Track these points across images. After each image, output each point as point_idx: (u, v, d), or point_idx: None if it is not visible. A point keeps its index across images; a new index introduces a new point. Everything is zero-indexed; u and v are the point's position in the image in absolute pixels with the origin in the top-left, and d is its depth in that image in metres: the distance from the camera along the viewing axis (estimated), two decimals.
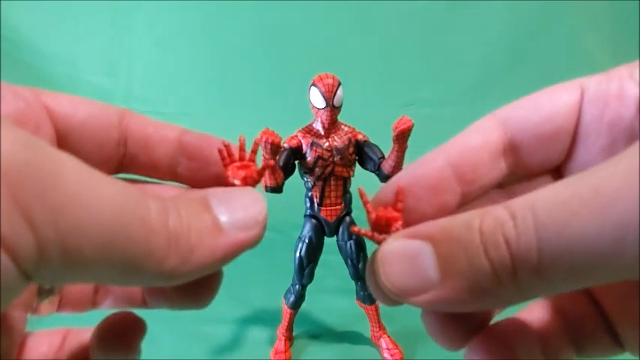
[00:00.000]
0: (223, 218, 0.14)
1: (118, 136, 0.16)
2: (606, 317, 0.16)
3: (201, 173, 0.17)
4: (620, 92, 0.15)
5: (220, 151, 0.17)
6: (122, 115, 0.17)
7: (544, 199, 0.12)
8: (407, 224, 0.15)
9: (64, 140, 0.16)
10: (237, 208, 0.14)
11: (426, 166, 0.16)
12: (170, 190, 0.17)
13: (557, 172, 0.17)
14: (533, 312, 0.17)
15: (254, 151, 0.17)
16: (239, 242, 0.14)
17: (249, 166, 0.17)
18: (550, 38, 1.22)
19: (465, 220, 0.13)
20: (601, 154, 0.15)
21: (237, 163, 0.17)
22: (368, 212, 0.16)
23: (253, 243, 0.14)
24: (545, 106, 0.16)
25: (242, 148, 0.17)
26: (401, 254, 0.14)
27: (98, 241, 0.11)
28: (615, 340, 0.16)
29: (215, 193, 0.14)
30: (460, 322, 0.16)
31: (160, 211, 0.12)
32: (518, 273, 0.12)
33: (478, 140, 0.16)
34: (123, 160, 0.17)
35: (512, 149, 0.16)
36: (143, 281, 0.12)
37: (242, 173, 0.16)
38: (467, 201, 0.16)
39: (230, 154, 0.17)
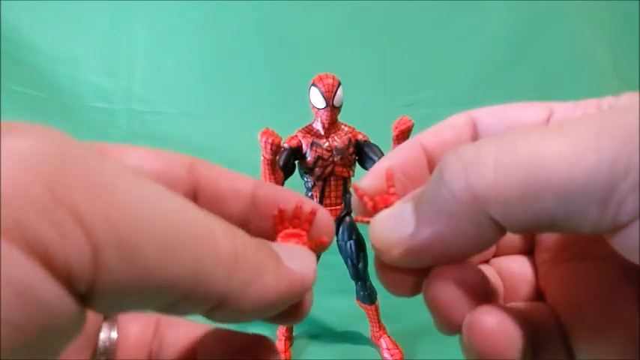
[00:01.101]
0: (284, 257, 0.14)
1: (187, 189, 0.15)
2: (563, 330, 0.16)
3: (272, 231, 0.16)
4: None
5: (274, 217, 0.16)
6: (191, 167, 0.16)
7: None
8: None
9: None
10: (295, 254, 0.14)
11: (405, 154, 0.17)
12: None
13: None
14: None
15: (309, 221, 0.16)
16: (301, 279, 0.13)
17: (302, 236, 0.16)
18: (550, 38, 1.22)
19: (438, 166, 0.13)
20: None
21: (290, 230, 0.16)
22: (365, 203, 0.16)
23: (309, 286, 0.14)
24: (512, 117, 0.17)
25: (297, 216, 0.16)
26: (388, 215, 0.15)
27: (161, 240, 0.09)
28: (570, 355, 0.16)
29: (273, 243, 0.15)
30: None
31: (226, 229, 0.12)
32: (471, 178, 0.12)
33: (451, 134, 0.17)
34: None
35: None
36: (206, 303, 0.11)
37: (293, 241, 0.16)
38: None
39: (284, 220, 0.16)
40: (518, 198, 0.11)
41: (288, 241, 0.16)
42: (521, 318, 0.14)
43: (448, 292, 0.14)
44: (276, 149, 0.47)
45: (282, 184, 0.51)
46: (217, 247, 0.11)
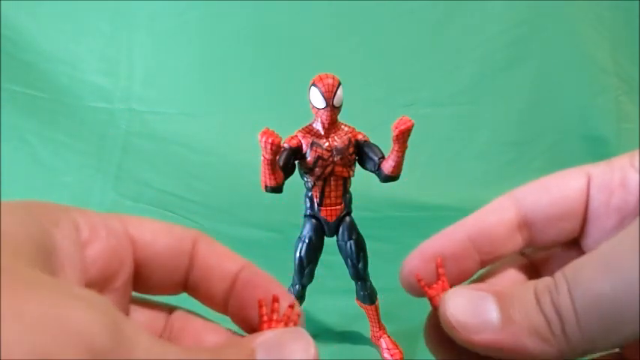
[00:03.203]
0: None
1: (189, 263, 0.17)
2: None
3: (247, 315, 0.17)
4: (623, 181, 0.17)
5: (260, 307, 0.16)
6: (195, 242, 0.17)
7: (572, 267, 0.15)
8: None
9: (140, 268, 0.16)
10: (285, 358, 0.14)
11: (449, 238, 0.18)
12: (221, 333, 0.17)
13: (575, 244, 0.19)
14: None
15: (293, 322, 0.16)
16: None
17: (287, 323, 0.16)
18: (550, 38, 1.22)
19: (521, 286, 0.16)
20: (612, 231, 0.17)
21: (276, 317, 0.16)
22: (426, 292, 0.17)
23: None
24: (554, 191, 0.18)
25: (275, 309, 0.16)
26: (467, 297, 0.16)
27: None
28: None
29: (263, 343, 0.15)
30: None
31: None
32: (566, 327, 0.14)
33: (494, 218, 0.18)
34: (186, 285, 0.17)
35: (526, 226, 0.18)
36: None
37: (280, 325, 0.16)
38: (486, 265, 0.18)
39: (272, 312, 0.16)
40: (600, 335, 0.14)
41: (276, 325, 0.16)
42: None
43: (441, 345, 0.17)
44: (276, 149, 0.47)
45: (283, 184, 0.51)
46: None
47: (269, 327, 0.16)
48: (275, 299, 0.16)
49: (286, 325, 0.16)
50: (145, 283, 0.17)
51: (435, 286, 0.17)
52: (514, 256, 0.19)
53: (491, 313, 0.15)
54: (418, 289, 0.18)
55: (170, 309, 0.18)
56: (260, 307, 0.16)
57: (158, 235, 0.17)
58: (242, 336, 0.16)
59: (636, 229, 0.14)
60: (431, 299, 0.17)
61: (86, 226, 0.15)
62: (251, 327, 0.17)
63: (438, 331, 0.17)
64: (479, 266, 0.18)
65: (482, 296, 0.16)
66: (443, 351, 0.17)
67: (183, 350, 0.13)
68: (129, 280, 0.16)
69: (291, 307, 0.16)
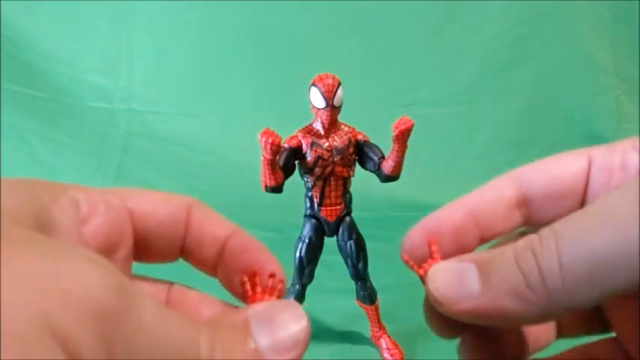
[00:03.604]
0: (263, 342, 0.14)
1: (185, 231, 0.17)
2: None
3: (234, 280, 0.17)
4: (623, 162, 0.17)
5: (243, 284, 0.17)
6: (189, 209, 0.17)
7: (563, 222, 0.14)
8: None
9: (140, 240, 0.17)
10: (277, 329, 0.15)
11: (449, 213, 0.18)
12: (216, 305, 0.18)
13: None
14: None
15: (282, 281, 0.17)
16: None
17: (272, 293, 0.17)
18: (550, 38, 1.22)
19: (503, 248, 0.15)
20: None
21: (259, 290, 0.17)
22: (416, 270, 0.18)
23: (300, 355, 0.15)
24: (554, 170, 0.18)
25: (260, 282, 0.17)
26: (450, 270, 0.16)
27: None
28: (601, 320, 0.18)
29: (256, 314, 0.15)
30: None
31: (208, 347, 0.13)
32: (547, 281, 0.14)
33: (493, 194, 0.18)
34: (182, 251, 0.18)
35: (525, 204, 0.18)
36: None
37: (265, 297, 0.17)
38: (485, 242, 0.19)
39: (254, 286, 0.17)
40: (584, 290, 0.14)
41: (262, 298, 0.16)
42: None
43: (480, 352, 0.17)
44: (276, 149, 0.47)
45: (283, 184, 0.51)
46: None
47: (253, 301, 0.16)
48: (255, 273, 0.17)
49: (270, 295, 0.17)
50: (145, 252, 0.17)
51: (424, 265, 0.17)
52: (513, 236, 0.19)
53: (472, 281, 0.15)
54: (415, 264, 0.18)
55: (169, 284, 0.18)
56: (243, 284, 0.17)
57: (158, 206, 0.17)
58: (235, 307, 0.17)
59: (636, 184, 0.14)
60: (421, 278, 0.17)
61: (85, 202, 0.15)
62: (238, 291, 0.17)
63: (434, 309, 0.17)
64: (478, 242, 0.18)
65: (464, 267, 0.16)
66: (441, 328, 0.18)
67: (184, 317, 0.13)
68: (130, 253, 0.17)
69: (272, 276, 0.17)
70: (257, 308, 0.15)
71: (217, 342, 0.13)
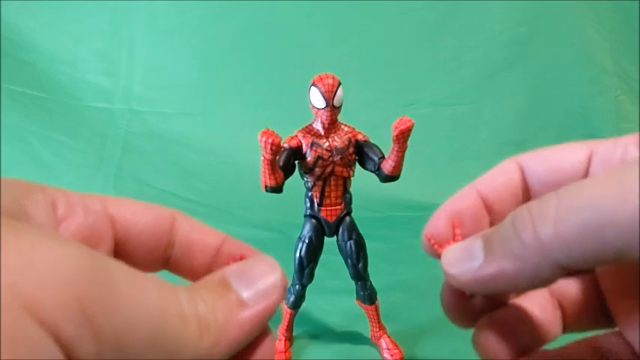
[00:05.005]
0: (245, 293, 0.15)
1: (168, 241, 0.17)
2: (599, 292, 0.18)
3: None
4: (623, 156, 0.17)
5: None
6: (173, 219, 0.17)
7: (567, 185, 0.15)
8: None
9: (121, 247, 0.17)
10: (254, 279, 0.15)
11: (467, 198, 0.19)
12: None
13: None
14: (534, 299, 0.19)
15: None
16: (263, 311, 0.15)
17: None
18: (549, 38, 1.22)
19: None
20: None
21: None
22: (437, 251, 0.18)
23: (276, 307, 0.15)
24: (555, 159, 0.19)
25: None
26: (460, 246, 0.17)
27: (146, 336, 0.12)
28: (605, 316, 0.18)
29: (232, 270, 0.15)
30: (474, 304, 0.18)
31: (190, 303, 0.13)
32: (540, 234, 0.14)
33: (503, 179, 0.19)
34: (168, 262, 0.18)
35: (527, 191, 0.19)
36: None
37: None
38: (494, 225, 0.19)
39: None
40: (577, 242, 0.14)
41: None
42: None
43: (494, 341, 0.17)
44: (276, 149, 0.47)
45: (283, 184, 0.51)
46: (186, 328, 0.13)
47: None
48: (242, 258, 0.17)
49: None
50: (126, 261, 0.17)
51: (445, 244, 0.18)
52: None
53: (478, 251, 0.16)
54: (434, 250, 0.18)
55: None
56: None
57: (138, 214, 0.17)
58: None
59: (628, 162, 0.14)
60: (439, 258, 0.18)
61: (63, 202, 0.15)
62: None
63: (450, 294, 0.18)
64: (488, 227, 0.19)
65: (471, 241, 0.17)
66: (457, 314, 0.18)
67: (162, 279, 0.13)
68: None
69: (242, 258, 0.17)
70: (232, 267, 0.16)
71: (199, 298, 0.14)
